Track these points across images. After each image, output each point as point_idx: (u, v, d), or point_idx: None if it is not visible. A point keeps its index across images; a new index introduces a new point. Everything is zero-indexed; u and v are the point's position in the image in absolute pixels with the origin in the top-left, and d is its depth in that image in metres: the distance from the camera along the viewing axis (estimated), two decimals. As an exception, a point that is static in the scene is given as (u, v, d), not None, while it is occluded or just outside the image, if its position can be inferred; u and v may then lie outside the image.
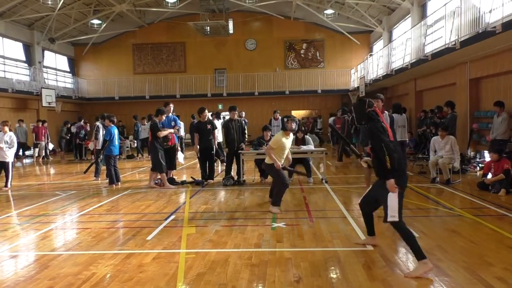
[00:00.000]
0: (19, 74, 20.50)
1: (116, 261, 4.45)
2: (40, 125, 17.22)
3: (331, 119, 16.45)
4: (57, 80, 23.73)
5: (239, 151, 9.58)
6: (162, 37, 25.57)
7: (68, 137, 18.25)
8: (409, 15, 17.50)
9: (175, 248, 4.86)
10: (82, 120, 18.03)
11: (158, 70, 25.66)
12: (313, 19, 23.93)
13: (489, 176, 8.08)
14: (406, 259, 4.35)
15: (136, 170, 13.07)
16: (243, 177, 9.71)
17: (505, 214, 6.14)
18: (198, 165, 10.31)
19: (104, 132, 10.28)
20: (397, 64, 16.72)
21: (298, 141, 9.74)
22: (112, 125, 9.86)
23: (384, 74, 17.57)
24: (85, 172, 11.22)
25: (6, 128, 9.78)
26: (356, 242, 4.89)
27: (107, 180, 9.83)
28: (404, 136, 9.75)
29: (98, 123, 11.55)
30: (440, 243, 4.77)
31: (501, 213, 6.22)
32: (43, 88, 20.03)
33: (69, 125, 18.34)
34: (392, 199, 3.96)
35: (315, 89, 24.13)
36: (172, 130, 9.68)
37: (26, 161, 17.61)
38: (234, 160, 9.76)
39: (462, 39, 10.47)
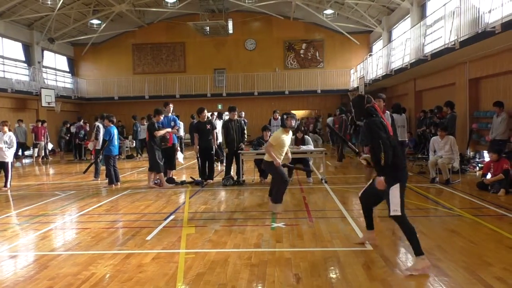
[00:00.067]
0: (18, 74, 20.50)
1: (115, 261, 4.45)
2: (40, 125, 17.21)
3: (329, 119, 16.46)
4: (56, 80, 23.73)
5: (239, 151, 9.58)
6: (162, 37, 25.56)
7: (67, 137, 18.22)
8: (409, 15, 17.50)
9: (175, 248, 4.86)
10: (82, 120, 18.05)
11: (157, 70, 25.64)
12: (313, 19, 23.93)
13: (489, 176, 8.09)
14: (405, 259, 4.35)
15: (136, 170, 13.07)
16: (242, 177, 9.71)
17: (505, 214, 6.14)
18: (197, 165, 10.31)
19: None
20: (396, 64, 16.74)
21: (298, 141, 9.72)
22: (112, 125, 9.87)
23: (383, 74, 17.58)
24: (84, 172, 11.24)
25: (6, 128, 9.77)
26: (356, 242, 4.88)
27: (107, 180, 9.84)
28: (404, 136, 9.75)
29: (98, 123, 11.54)
30: (440, 243, 4.78)
31: (501, 213, 6.23)
32: (43, 88, 20.01)
33: (68, 125, 18.32)
34: (394, 194, 3.99)
35: (314, 89, 24.14)
36: (169, 129, 9.67)
37: (26, 161, 17.59)
38: (234, 160, 9.77)
39: (461, 39, 10.49)
